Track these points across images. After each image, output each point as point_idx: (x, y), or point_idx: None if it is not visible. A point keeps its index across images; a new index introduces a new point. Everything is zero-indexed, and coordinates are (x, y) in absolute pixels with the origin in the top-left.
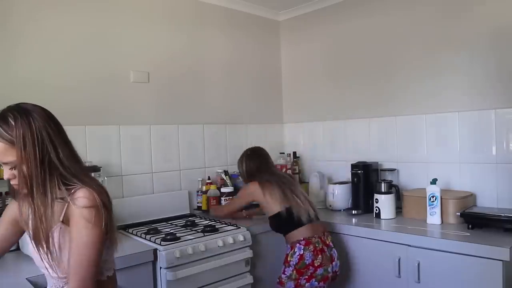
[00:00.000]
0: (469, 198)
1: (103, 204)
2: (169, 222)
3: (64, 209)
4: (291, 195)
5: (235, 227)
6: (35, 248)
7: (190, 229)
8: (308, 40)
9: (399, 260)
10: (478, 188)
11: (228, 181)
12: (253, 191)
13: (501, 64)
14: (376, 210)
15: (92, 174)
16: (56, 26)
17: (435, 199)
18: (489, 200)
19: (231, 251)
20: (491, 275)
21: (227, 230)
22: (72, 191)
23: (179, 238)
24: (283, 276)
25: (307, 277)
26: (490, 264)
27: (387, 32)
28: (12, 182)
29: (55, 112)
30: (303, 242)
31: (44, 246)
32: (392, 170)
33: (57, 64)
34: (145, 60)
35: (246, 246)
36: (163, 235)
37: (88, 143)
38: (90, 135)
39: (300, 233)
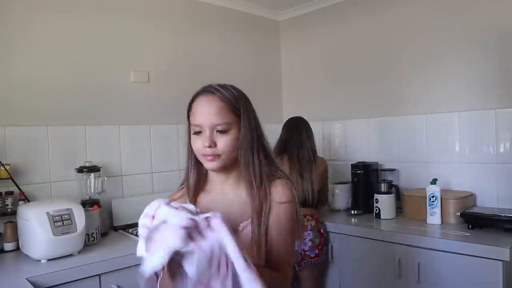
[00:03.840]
0: (469, 198)
1: (297, 198)
2: None
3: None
4: (297, 178)
5: None
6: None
7: None
8: (308, 40)
9: (399, 260)
10: (478, 188)
11: None
12: None
13: (501, 64)
14: (376, 210)
15: (92, 174)
16: (56, 26)
17: (435, 199)
18: (489, 200)
19: None
20: (491, 275)
21: None
22: (272, 179)
23: None
24: None
25: None
26: (490, 264)
27: (387, 32)
28: (207, 152)
29: (55, 112)
30: None
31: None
32: (392, 170)
33: (57, 64)
34: (145, 60)
35: None
36: None
37: (88, 143)
38: (90, 135)
39: None
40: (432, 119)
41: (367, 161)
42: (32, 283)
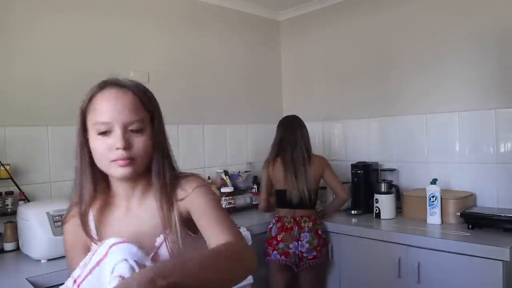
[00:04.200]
0: (469, 198)
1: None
2: None
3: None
4: (291, 178)
5: None
6: (164, 236)
7: None
8: (308, 40)
9: (399, 260)
10: (478, 188)
11: (228, 181)
12: (264, 177)
13: (502, 64)
14: (376, 210)
15: None
16: (56, 26)
17: (435, 199)
18: (489, 200)
19: None
20: (491, 275)
21: None
22: (176, 182)
23: None
24: None
25: (271, 247)
26: (490, 264)
27: (387, 32)
28: (119, 155)
29: (56, 112)
30: (276, 219)
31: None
32: (392, 170)
33: (57, 64)
34: (145, 60)
35: None
36: None
37: None
38: None
39: (278, 212)
40: (432, 119)
41: (367, 161)
42: (32, 283)
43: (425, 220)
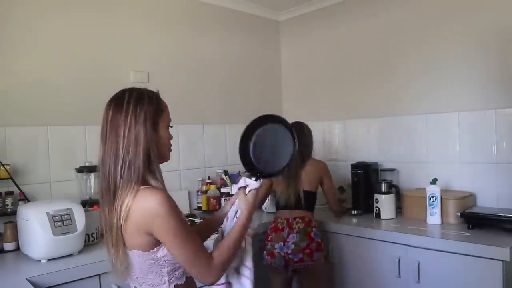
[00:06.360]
0: (469, 198)
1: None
2: None
3: None
4: (285, 181)
5: None
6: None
7: None
8: (308, 40)
9: (399, 260)
10: (478, 188)
11: (228, 181)
12: None
13: (502, 64)
14: (376, 210)
15: (92, 174)
16: (56, 26)
17: (435, 199)
18: (489, 200)
19: None
20: (491, 275)
21: None
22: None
23: None
24: None
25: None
26: (490, 264)
27: (387, 32)
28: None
29: (55, 112)
30: (272, 219)
31: None
32: (392, 170)
33: (57, 64)
34: (145, 60)
35: None
36: None
37: (88, 143)
38: (90, 135)
39: (277, 213)
40: (432, 119)
41: (367, 161)
42: (32, 283)
43: (425, 220)
